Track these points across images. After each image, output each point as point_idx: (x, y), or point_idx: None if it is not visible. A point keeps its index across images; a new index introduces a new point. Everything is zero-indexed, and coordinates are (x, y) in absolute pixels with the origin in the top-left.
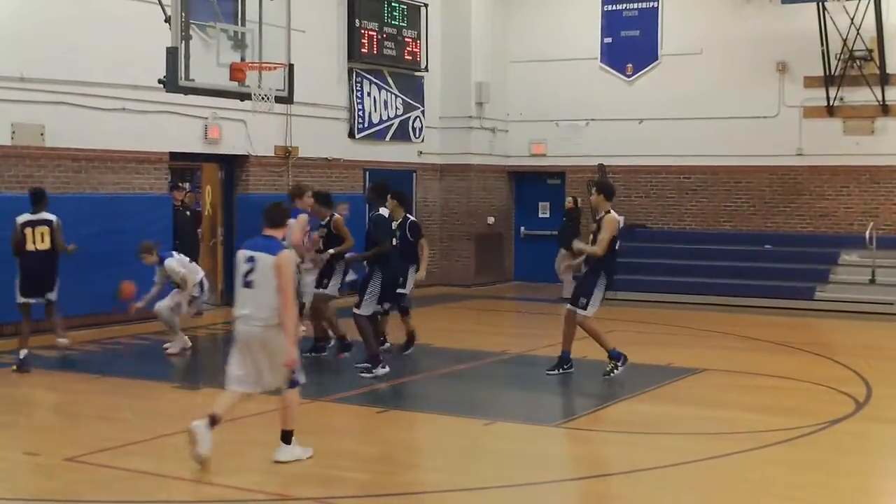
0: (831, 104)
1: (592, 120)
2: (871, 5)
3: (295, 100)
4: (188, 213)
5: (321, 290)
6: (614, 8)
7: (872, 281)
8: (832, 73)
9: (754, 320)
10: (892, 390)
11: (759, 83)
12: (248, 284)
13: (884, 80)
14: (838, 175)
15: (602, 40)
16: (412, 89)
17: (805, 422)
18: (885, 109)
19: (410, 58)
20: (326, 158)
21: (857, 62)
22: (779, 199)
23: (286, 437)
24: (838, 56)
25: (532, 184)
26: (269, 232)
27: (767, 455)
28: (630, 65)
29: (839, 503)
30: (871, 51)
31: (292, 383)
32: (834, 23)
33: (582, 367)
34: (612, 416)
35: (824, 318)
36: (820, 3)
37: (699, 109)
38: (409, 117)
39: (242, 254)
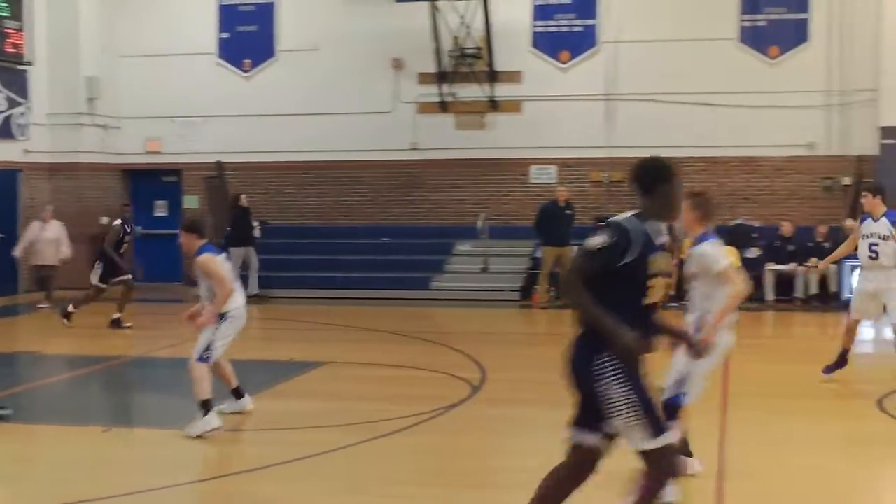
0: (444, 100)
1: (210, 116)
2: (480, 5)
3: None
4: None
5: None
6: (230, 2)
7: (485, 269)
8: (444, 69)
9: (376, 312)
10: (505, 374)
11: (375, 79)
12: None
13: (492, 77)
14: (452, 168)
15: (219, 35)
16: (16, 83)
17: (424, 408)
18: (494, 105)
19: (13, 50)
20: None
21: (468, 60)
22: (396, 192)
23: None
24: (450, 53)
25: (148, 182)
26: None
27: (390, 442)
28: (247, 60)
29: (460, 484)
30: (480, 49)
31: None
32: (446, 21)
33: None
34: (235, 415)
35: (441, 307)
36: (432, 2)
37: (317, 105)
38: (13, 113)
39: None
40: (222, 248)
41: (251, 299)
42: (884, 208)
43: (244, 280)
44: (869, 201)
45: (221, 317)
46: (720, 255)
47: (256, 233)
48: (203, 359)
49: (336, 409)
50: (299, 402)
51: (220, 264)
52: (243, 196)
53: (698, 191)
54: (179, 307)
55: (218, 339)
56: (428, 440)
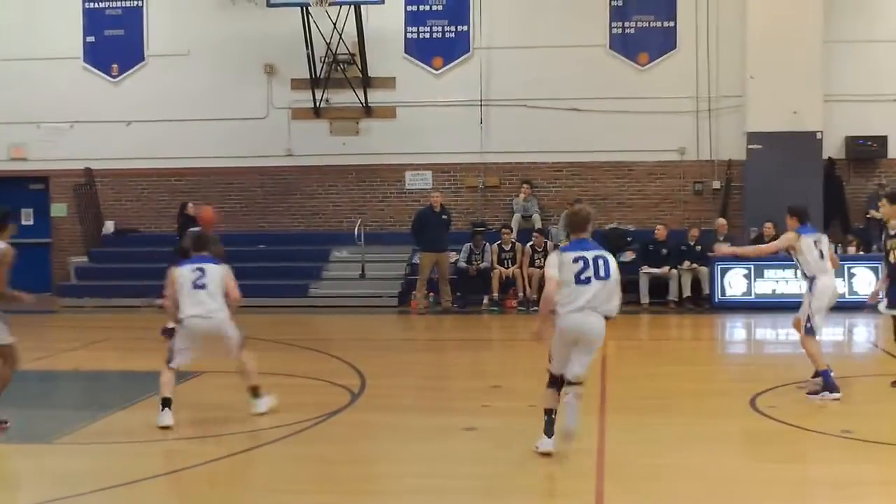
0: (318, 106)
1: (77, 122)
2: (353, 11)
3: None
4: None
5: None
6: (96, 6)
7: (362, 276)
8: (318, 75)
9: (253, 320)
10: (385, 380)
11: (248, 85)
12: None
13: (366, 82)
14: (327, 174)
15: (84, 39)
16: None
17: (304, 416)
18: (368, 111)
19: None
20: None
21: (341, 65)
22: (271, 199)
23: None
24: (323, 59)
25: (13, 189)
26: None
27: (270, 452)
28: (115, 65)
29: (342, 491)
30: (353, 55)
31: None
32: (318, 27)
33: (78, 380)
34: (111, 428)
35: (319, 314)
36: (304, 8)
37: (189, 111)
38: None
39: None
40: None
41: None
42: None
43: None
44: (887, 210)
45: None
46: (549, 264)
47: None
48: (170, 363)
49: (214, 418)
50: (176, 412)
51: (177, 276)
52: (190, 204)
53: (568, 208)
54: (49, 318)
55: (176, 346)
56: (308, 448)
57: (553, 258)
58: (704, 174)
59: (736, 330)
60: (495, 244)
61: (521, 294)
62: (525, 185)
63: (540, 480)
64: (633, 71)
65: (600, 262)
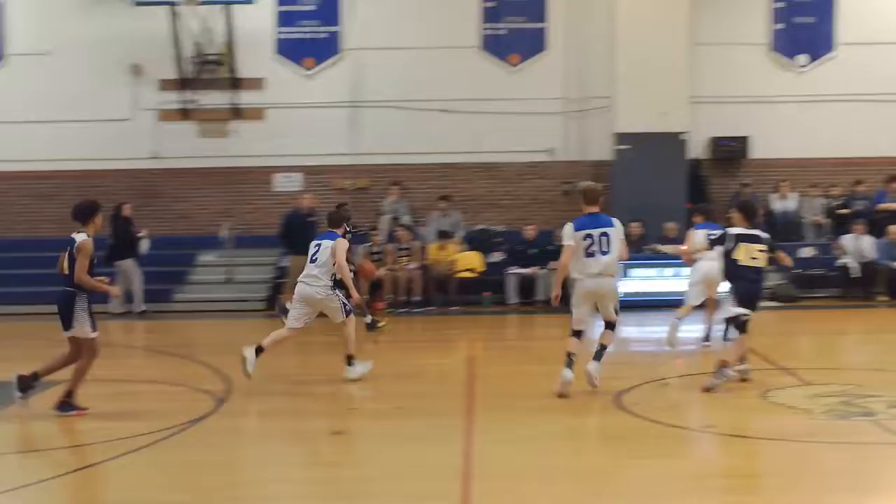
0: (186, 107)
1: None
2: (222, 11)
3: None
4: None
5: None
6: None
7: (230, 280)
8: (186, 76)
9: (117, 325)
10: (253, 385)
11: (113, 85)
12: None
13: (236, 84)
14: (194, 177)
15: None
16: None
17: (168, 423)
18: (237, 113)
19: None
20: None
21: (210, 66)
22: (137, 202)
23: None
24: (192, 59)
25: None
26: None
27: (134, 460)
28: None
29: (208, 499)
30: (223, 55)
31: None
32: (187, 26)
33: None
34: None
35: (185, 319)
36: (172, 6)
37: (51, 112)
38: None
39: None
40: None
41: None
42: None
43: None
44: (736, 218)
45: None
46: (564, 235)
47: (145, 245)
48: None
49: (75, 428)
50: (33, 423)
51: None
52: (126, 206)
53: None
54: None
55: None
56: (173, 456)
57: (567, 229)
58: (574, 175)
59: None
60: (365, 246)
61: (389, 295)
62: (395, 187)
63: (407, 483)
64: (504, 72)
65: (604, 239)
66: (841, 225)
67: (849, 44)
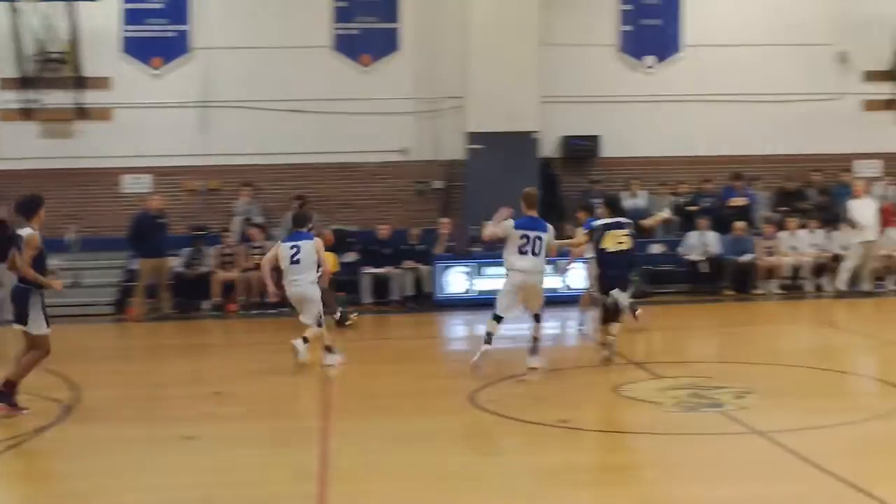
0: (27, 107)
1: None
2: (66, 8)
3: None
4: None
5: None
6: None
7: (77, 284)
8: (27, 75)
9: None
10: (101, 391)
11: None
12: None
13: (80, 83)
14: (37, 179)
15: None
16: None
17: (11, 433)
18: (82, 112)
19: None
20: None
21: (53, 64)
22: None
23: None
24: (34, 58)
25: None
26: None
27: None
28: None
29: None
30: (66, 53)
31: None
32: (28, 23)
33: None
34: None
35: None
36: (11, 2)
37: None
38: None
39: None
40: None
41: None
42: None
43: None
44: (603, 212)
45: None
46: (496, 223)
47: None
48: None
49: None
50: None
51: None
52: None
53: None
54: None
55: None
56: (16, 466)
57: (507, 224)
58: (427, 174)
59: (456, 327)
60: (216, 248)
61: (242, 297)
62: (247, 188)
63: (262, 487)
64: (356, 72)
65: (538, 241)
66: (688, 221)
67: (694, 45)
